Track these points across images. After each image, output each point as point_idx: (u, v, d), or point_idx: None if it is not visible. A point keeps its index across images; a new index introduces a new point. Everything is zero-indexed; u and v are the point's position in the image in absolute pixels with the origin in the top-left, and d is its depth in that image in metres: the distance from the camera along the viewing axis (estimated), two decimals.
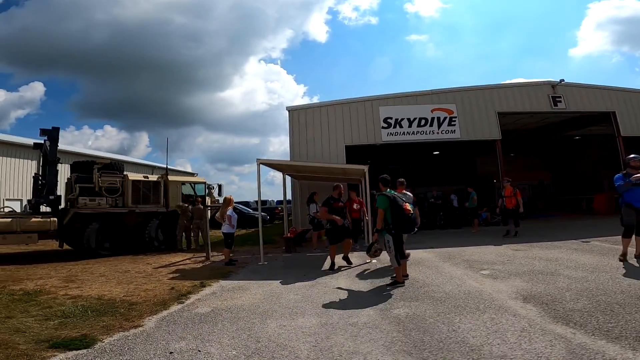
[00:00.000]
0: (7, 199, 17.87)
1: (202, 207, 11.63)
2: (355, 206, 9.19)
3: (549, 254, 7.54)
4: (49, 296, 5.43)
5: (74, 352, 3.37)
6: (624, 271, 5.54)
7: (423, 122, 14.57)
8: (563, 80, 15.04)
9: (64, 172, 13.01)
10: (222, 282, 6.30)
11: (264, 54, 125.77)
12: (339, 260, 7.34)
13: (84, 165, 11.49)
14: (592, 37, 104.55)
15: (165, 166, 13.32)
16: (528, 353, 3.00)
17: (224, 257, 8.53)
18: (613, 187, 6.52)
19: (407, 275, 5.80)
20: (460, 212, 15.04)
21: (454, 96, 14.93)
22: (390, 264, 5.96)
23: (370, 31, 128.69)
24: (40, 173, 11.15)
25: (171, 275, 7.07)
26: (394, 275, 5.71)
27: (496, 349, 3.10)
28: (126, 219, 11.10)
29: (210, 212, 11.00)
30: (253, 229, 16.36)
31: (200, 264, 8.56)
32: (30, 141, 14.83)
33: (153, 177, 12.19)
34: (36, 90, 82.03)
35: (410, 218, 5.46)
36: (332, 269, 6.98)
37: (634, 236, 6.01)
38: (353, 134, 14.36)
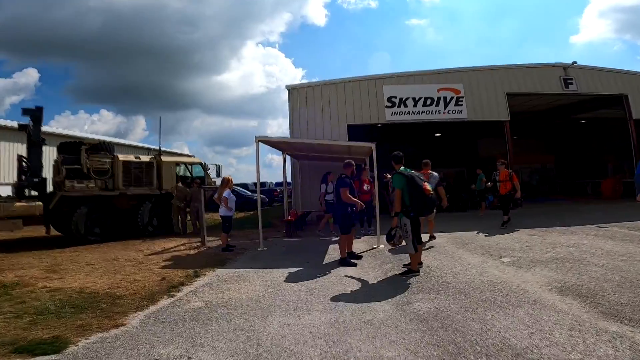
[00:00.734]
0: None
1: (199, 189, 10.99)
2: (365, 187, 8.60)
3: (569, 239, 7.07)
4: (25, 289, 4.84)
5: (40, 358, 2.84)
6: None
7: (429, 101, 13.99)
8: (575, 62, 14.59)
9: (50, 154, 12.30)
10: (218, 271, 5.76)
11: (261, 38, 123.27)
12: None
13: (71, 146, 10.77)
14: (594, 25, 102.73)
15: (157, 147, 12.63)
16: (587, 357, 2.52)
17: (220, 242, 8.01)
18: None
19: (421, 263, 5.25)
20: (466, 195, 14.52)
21: (461, 76, 14.34)
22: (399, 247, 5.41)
23: (369, 15, 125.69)
24: (26, 155, 10.47)
25: (163, 264, 6.51)
26: (408, 263, 5.21)
27: (547, 352, 2.61)
28: (117, 202, 10.49)
29: (207, 194, 10.37)
30: (252, 212, 15.81)
31: (196, 250, 8.00)
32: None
33: (145, 158, 11.51)
34: (30, 76, 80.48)
35: (430, 199, 4.90)
36: (344, 264, 5.77)
37: None
38: (356, 113, 13.73)
